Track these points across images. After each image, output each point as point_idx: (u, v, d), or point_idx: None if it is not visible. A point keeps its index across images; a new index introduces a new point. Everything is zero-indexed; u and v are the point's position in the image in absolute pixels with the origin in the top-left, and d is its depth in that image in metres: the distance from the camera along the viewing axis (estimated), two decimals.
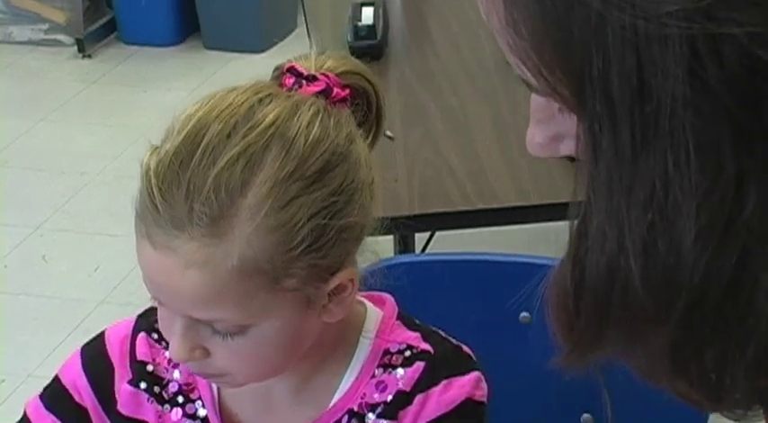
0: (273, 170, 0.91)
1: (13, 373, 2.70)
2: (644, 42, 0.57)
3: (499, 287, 1.20)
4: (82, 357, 1.09)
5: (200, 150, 0.92)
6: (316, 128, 0.94)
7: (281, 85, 0.99)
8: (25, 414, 1.09)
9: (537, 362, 1.12)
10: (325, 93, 0.97)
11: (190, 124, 0.93)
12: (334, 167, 0.94)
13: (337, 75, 0.98)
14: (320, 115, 0.95)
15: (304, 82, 0.97)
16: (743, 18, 0.56)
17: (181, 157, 0.92)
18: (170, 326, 0.98)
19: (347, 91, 0.98)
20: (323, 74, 0.98)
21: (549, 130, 0.68)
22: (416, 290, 1.13)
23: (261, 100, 0.95)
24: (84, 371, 1.08)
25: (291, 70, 0.98)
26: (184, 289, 0.92)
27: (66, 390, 1.08)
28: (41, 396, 1.09)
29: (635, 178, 0.59)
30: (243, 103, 0.94)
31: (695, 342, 0.62)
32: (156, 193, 0.91)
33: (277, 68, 1.00)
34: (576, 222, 0.63)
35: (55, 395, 1.09)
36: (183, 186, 0.91)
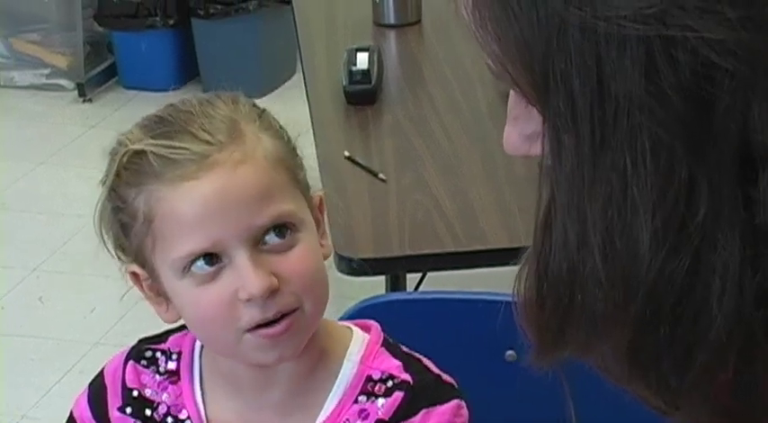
0: (249, 124, 1.06)
1: (7, 413, 2.69)
2: (603, 43, 0.58)
3: (485, 325, 1.22)
4: (88, 391, 1.16)
5: (183, 111, 1.06)
6: (257, 106, 1.10)
7: None
8: None
9: (522, 399, 1.14)
10: None
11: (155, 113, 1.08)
12: (280, 126, 1.10)
13: None
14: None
15: None
16: (697, 24, 0.56)
17: (173, 117, 1.06)
18: (232, 279, 1.01)
19: None
20: None
21: (523, 128, 0.68)
22: (403, 328, 1.15)
23: (207, 100, 1.09)
24: (89, 403, 1.15)
25: None
26: (242, 186, 1.01)
27: (76, 422, 1.15)
28: None
29: (595, 176, 0.60)
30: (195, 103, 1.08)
31: (651, 344, 0.62)
32: (169, 143, 1.03)
33: None
34: (540, 219, 0.64)
35: None
36: (196, 122, 1.04)
